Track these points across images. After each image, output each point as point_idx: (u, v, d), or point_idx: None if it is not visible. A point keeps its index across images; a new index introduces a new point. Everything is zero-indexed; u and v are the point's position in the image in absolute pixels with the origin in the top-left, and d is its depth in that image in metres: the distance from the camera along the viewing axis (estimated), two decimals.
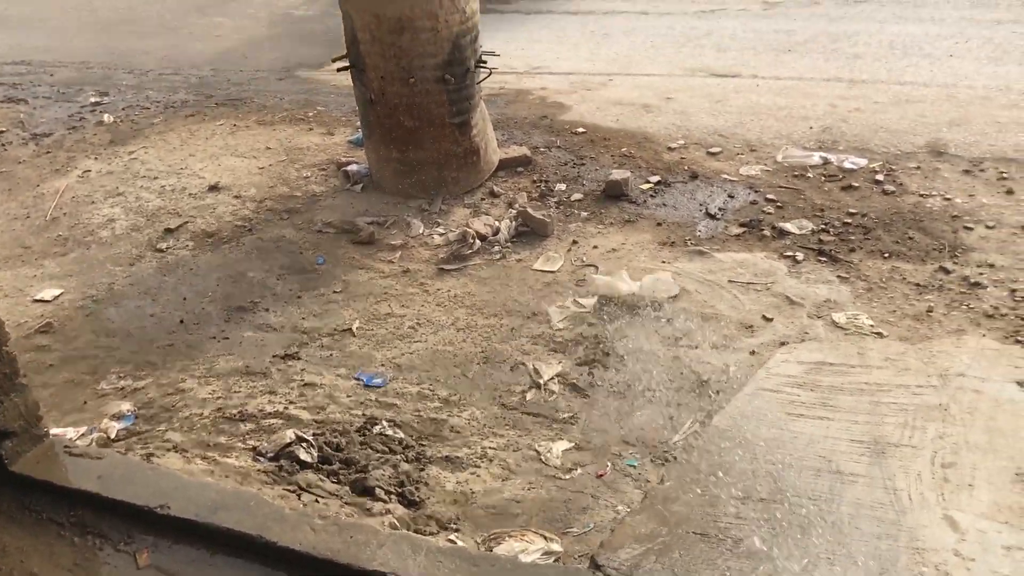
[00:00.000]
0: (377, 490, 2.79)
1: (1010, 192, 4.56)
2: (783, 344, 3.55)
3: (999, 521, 2.54)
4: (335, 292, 4.21)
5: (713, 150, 5.39)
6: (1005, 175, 4.74)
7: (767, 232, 4.42)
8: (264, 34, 9.12)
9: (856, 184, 4.79)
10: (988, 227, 4.25)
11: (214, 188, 5.41)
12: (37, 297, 4.31)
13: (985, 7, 7.54)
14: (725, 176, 5.05)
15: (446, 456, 3.03)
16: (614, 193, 4.93)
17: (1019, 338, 3.43)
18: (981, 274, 3.89)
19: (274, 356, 3.74)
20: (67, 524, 2.60)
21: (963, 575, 2.38)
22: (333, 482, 2.86)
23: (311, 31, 9.02)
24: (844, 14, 7.80)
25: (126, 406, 3.43)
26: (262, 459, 3.00)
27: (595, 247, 4.43)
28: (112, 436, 3.22)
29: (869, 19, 7.60)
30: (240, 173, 5.63)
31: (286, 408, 3.35)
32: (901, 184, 4.76)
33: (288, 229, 4.87)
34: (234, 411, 3.35)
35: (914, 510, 2.60)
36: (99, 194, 5.47)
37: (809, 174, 4.96)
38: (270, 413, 3.32)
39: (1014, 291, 3.74)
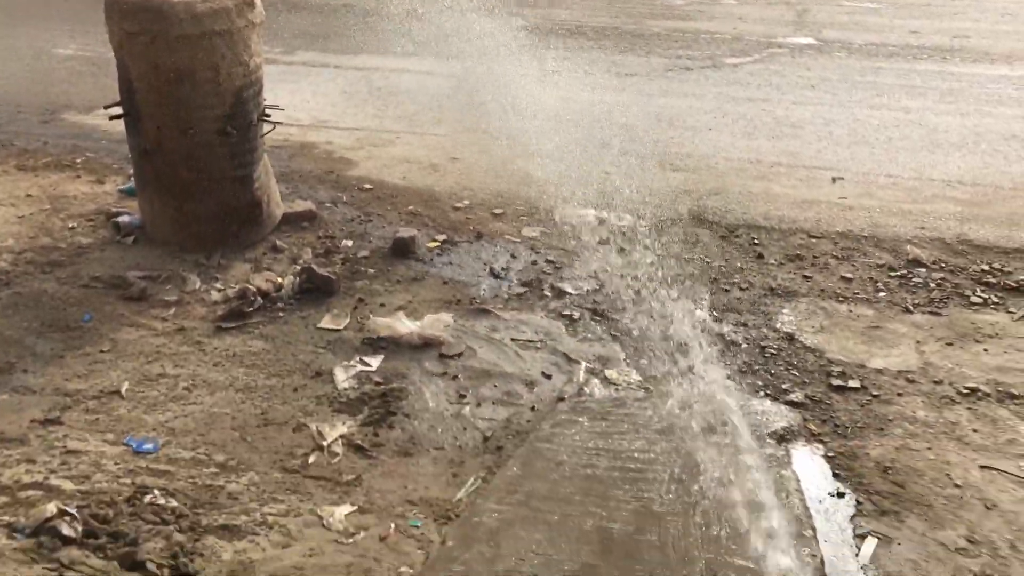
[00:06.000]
0: (148, 564, 2.65)
1: (760, 256, 5.03)
2: (561, 400, 3.71)
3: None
4: (102, 351, 3.97)
5: (496, 211, 5.59)
6: (756, 241, 5.22)
7: (547, 292, 4.62)
8: (25, 72, 8.51)
9: (626, 248, 5.11)
10: (742, 289, 4.66)
11: None
12: None
13: (739, 86, 8.32)
14: (508, 237, 5.24)
15: (223, 524, 2.91)
16: (401, 251, 4.98)
17: (766, 392, 3.78)
18: (736, 332, 4.25)
19: (33, 421, 3.46)
20: None
21: None
22: (100, 557, 2.68)
23: (78, 72, 8.52)
24: (617, 85, 8.34)
25: None
26: (18, 536, 2.76)
27: (382, 305, 4.44)
28: None
29: (638, 92, 8.17)
30: None
31: (46, 478, 3.10)
32: (667, 248, 5.12)
33: (50, 283, 4.54)
34: None
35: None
36: None
37: (585, 237, 5.24)
38: (28, 484, 3.06)
39: (764, 348, 4.12)
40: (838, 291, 4.65)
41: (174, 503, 2.98)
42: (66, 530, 2.75)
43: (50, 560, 2.67)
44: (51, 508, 2.84)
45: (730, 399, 3.69)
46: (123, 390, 3.69)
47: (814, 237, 5.29)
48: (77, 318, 4.24)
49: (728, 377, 3.89)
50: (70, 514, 2.82)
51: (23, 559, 2.66)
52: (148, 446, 3.33)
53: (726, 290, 4.66)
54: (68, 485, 3.06)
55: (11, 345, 4.00)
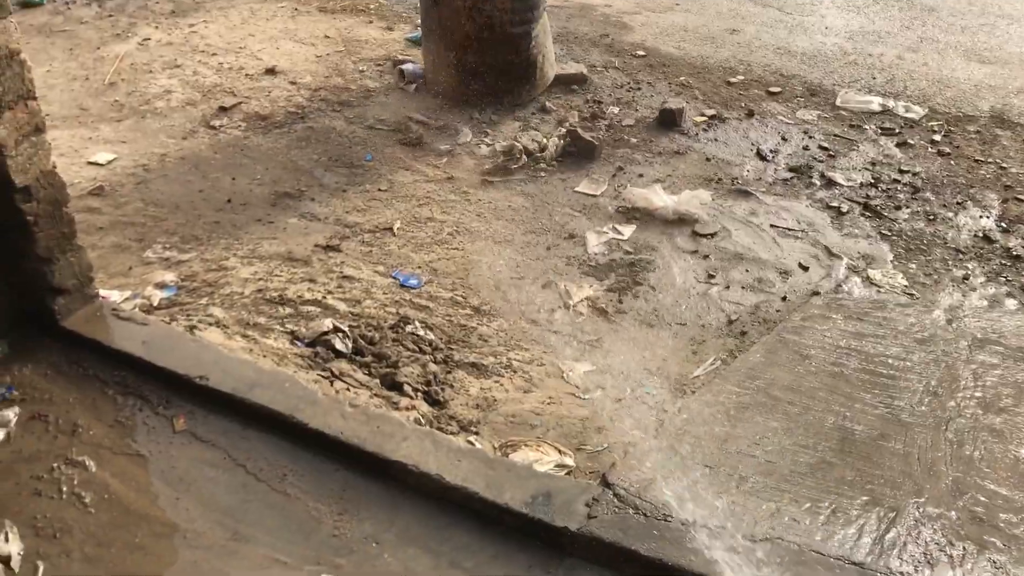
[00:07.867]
0: (405, 386, 2.90)
1: None
2: (815, 294, 3.58)
3: None
4: (380, 190, 4.27)
5: (773, 89, 5.32)
6: None
7: (816, 180, 4.40)
8: None
9: (911, 142, 4.73)
10: None
11: (271, 71, 5.43)
12: (91, 160, 4.41)
13: None
14: (781, 118, 5.00)
15: (472, 362, 3.13)
16: (667, 122, 4.90)
17: None
18: None
19: (316, 246, 3.82)
20: (110, 383, 2.74)
21: None
22: (364, 373, 2.98)
23: None
24: None
25: (170, 276, 3.54)
26: (299, 343, 3.11)
27: (640, 175, 4.43)
28: (155, 304, 3.33)
29: None
30: (297, 59, 5.64)
31: (324, 297, 3.45)
32: (958, 147, 4.69)
33: (339, 121, 4.90)
34: (274, 294, 3.45)
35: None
36: (157, 64, 5.51)
37: (865, 126, 4.89)
38: (309, 300, 3.42)
39: None
40: None
41: (431, 336, 3.23)
42: (339, 345, 3.07)
43: (323, 369, 2.99)
44: (328, 323, 3.16)
45: (1006, 318, 3.40)
46: (395, 228, 3.97)
47: None
48: (360, 156, 4.57)
49: (1008, 294, 3.58)
50: (343, 331, 3.14)
51: (302, 364, 3.01)
52: (413, 281, 3.59)
53: (1020, 200, 4.22)
54: (342, 306, 3.39)
55: (302, 174, 4.39)
